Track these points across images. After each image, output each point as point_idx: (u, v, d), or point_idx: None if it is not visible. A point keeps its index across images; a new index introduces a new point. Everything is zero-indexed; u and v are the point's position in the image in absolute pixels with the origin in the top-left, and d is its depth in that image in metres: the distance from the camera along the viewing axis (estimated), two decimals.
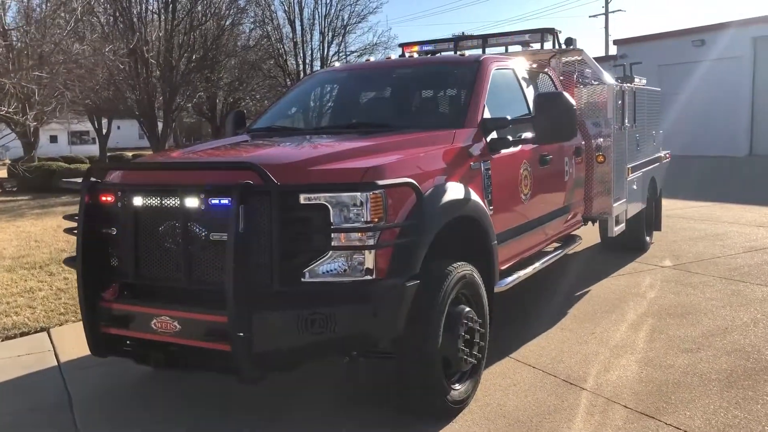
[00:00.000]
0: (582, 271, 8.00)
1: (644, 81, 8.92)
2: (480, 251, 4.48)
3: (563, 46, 6.97)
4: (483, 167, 4.64)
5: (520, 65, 6.04)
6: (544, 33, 6.88)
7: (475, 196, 4.39)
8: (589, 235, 8.66)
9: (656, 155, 9.09)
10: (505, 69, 5.69)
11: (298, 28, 30.35)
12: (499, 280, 4.88)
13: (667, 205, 10.79)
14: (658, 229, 9.72)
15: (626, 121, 7.44)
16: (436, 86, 5.63)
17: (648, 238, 9.05)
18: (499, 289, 4.89)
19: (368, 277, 3.46)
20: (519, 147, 5.18)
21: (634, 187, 7.90)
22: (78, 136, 62.72)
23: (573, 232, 6.97)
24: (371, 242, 3.43)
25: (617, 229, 7.34)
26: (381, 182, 3.49)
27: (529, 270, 5.44)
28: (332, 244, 3.45)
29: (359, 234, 3.42)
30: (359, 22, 31.63)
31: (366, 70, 6.19)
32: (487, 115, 4.92)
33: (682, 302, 6.54)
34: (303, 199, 3.43)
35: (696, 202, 13.51)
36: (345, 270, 3.47)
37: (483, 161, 4.66)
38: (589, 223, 7.40)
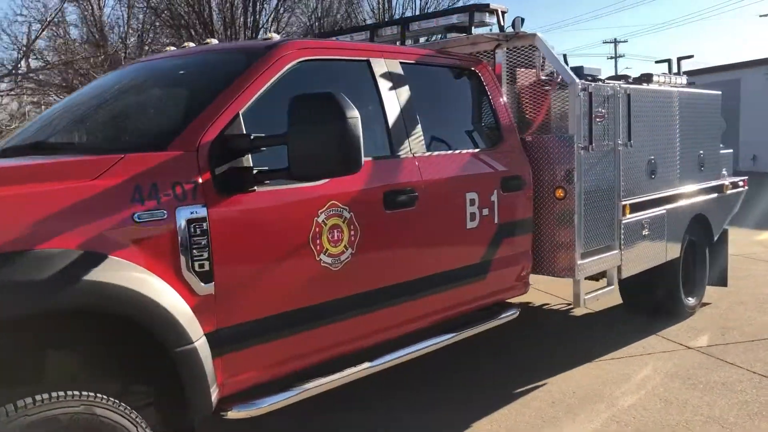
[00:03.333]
0: (566, 344, 5.73)
1: (682, 80, 6.41)
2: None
3: (512, 30, 4.83)
4: (181, 220, 2.76)
5: (390, 57, 4.03)
6: (473, 12, 4.78)
7: (132, 272, 2.55)
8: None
9: (706, 185, 6.50)
10: (333, 60, 3.74)
11: None
12: (238, 405, 2.99)
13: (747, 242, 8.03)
14: (722, 284, 7.06)
15: (617, 138, 5.10)
16: (185, 85, 3.74)
17: (691, 300, 6.47)
18: (237, 415, 2.99)
19: None
20: (320, 181, 3.23)
21: (645, 231, 5.49)
22: None
23: (515, 298, 4.77)
24: None
25: (589, 298, 5.01)
26: None
27: (343, 376, 3.45)
28: None
29: None
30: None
31: (140, 65, 4.37)
32: (233, 131, 3.03)
33: (669, 422, 4.18)
34: None
35: None
36: None
37: (185, 207, 2.78)
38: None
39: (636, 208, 5.37)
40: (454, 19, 4.90)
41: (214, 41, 4.34)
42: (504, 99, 4.74)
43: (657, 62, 7.13)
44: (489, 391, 4.75)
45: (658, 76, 6.06)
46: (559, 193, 4.77)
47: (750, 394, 4.58)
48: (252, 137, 2.98)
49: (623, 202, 5.22)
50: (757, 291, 7.38)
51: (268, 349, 3.11)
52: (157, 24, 25.07)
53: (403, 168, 3.81)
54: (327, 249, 3.31)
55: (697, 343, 5.68)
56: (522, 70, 5.06)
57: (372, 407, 4.52)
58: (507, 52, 5.00)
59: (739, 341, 5.69)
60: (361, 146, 2.88)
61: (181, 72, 3.90)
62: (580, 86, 4.66)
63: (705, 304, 6.82)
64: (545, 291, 7.29)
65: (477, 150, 4.42)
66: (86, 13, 24.02)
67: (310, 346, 3.32)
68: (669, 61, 6.90)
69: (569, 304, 7.07)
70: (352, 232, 3.43)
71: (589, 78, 5.43)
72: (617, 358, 5.36)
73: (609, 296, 5.47)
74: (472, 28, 4.80)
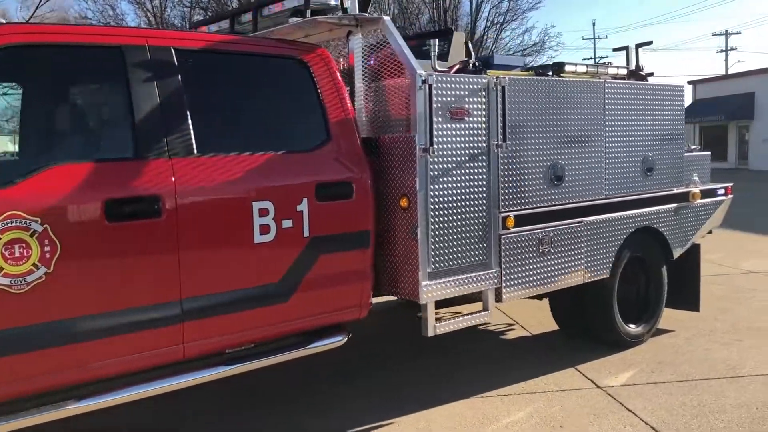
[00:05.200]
0: (462, 373, 5.00)
1: (617, 71, 5.47)
2: None
3: (359, 14, 4.19)
4: None
5: (159, 44, 3.51)
6: None
7: None
8: None
9: (657, 193, 5.53)
10: (64, 46, 3.26)
11: None
12: None
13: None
14: (693, 308, 6.04)
15: (492, 138, 4.34)
16: None
17: (634, 327, 5.54)
18: None
19: None
20: None
21: (543, 248, 4.68)
22: None
23: (345, 319, 4.13)
24: None
25: (448, 324, 4.27)
26: None
27: None
28: None
29: None
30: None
31: None
32: None
33: None
34: None
35: None
36: None
37: None
38: None
39: (526, 220, 4.56)
40: (294, 2, 4.29)
41: None
42: (342, 93, 4.10)
43: (615, 50, 6.20)
44: (333, 423, 4.16)
45: (576, 65, 5.18)
46: (404, 202, 4.08)
47: None
48: None
49: (504, 214, 4.43)
50: (743, 317, 6.29)
51: None
52: None
53: (146, 172, 3.28)
54: (2, 268, 2.85)
55: (613, 381, 4.80)
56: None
57: None
58: (363, 40, 4.35)
59: (664, 381, 4.76)
60: None
61: None
62: (420, 78, 3.95)
63: (665, 332, 5.85)
64: (502, 311, 6.55)
65: (284, 152, 3.81)
66: None
67: None
68: (627, 48, 5.97)
69: (510, 325, 6.30)
70: (47, 248, 2.95)
71: (479, 68, 4.73)
72: (503, 395, 4.59)
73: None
74: (308, 11, 4.17)
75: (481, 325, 6.24)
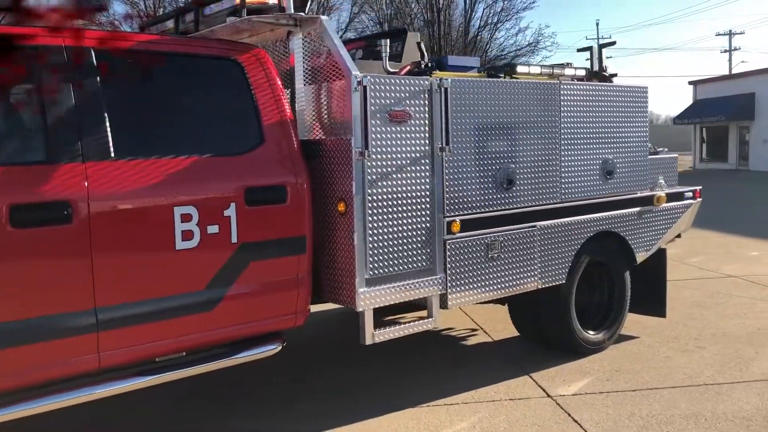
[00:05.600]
0: (416, 380, 4.87)
1: (575, 72, 5.35)
2: None
3: (296, 14, 4.08)
4: None
5: (76, 44, 3.40)
6: None
7: None
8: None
9: (618, 196, 5.40)
10: None
11: None
12: None
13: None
14: (659, 314, 5.92)
15: (436, 141, 4.23)
16: None
17: (594, 334, 5.41)
18: None
19: None
20: None
21: (492, 253, 4.57)
22: None
23: (279, 328, 4.02)
24: None
25: (377, 336, 4.15)
26: None
27: None
28: None
29: None
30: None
31: None
32: None
33: None
34: None
35: None
36: None
37: None
38: None
39: (473, 225, 4.45)
40: (230, 1, 4.18)
41: None
42: (278, 94, 3.99)
43: (579, 50, 6.08)
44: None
45: (530, 66, 5.07)
46: (341, 206, 3.98)
47: None
48: None
49: (449, 218, 4.32)
50: (711, 323, 6.16)
51: None
52: None
53: (56, 176, 3.18)
54: None
55: (565, 390, 4.68)
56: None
57: None
58: (303, 40, 4.25)
59: (618, 390, 4.64)
60: None
61: None
62: (356, 80, 3.85)
63: (629, 338, 5.73)
64: (469, 315, 6.46)
65: (211, 155, 3.70)
66: None
67: None
68: (590, 48, 5.86)
69: (474, 330, 6.19)
70: None
71: (431, 69, 4.62)
72: (449, 405, 4.48)
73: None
74: (244, 11, 4.06)
75: (446, 330, 6.20)
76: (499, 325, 6.14)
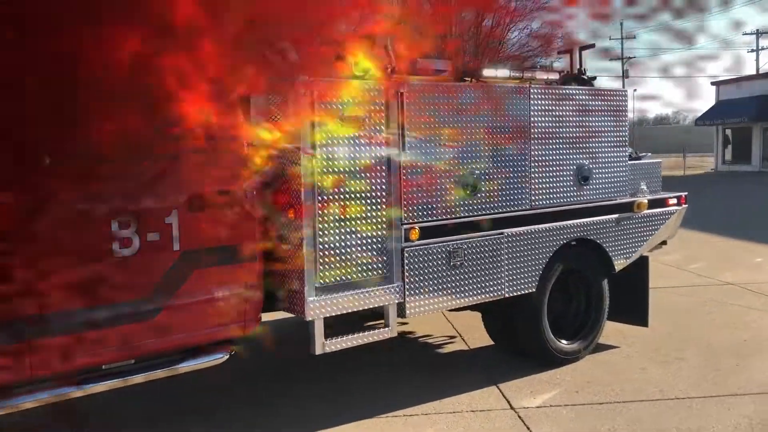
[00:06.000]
0: (384, 388, 4.78)
1: (547, 76, 5.22)
2: None
3: None
4: None
5: None
6: None
7: None
8: None
9: (594, 203, 5.27)
10: None
11: None
12: None
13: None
14: (641, 323, 5.75)
15: (393, 147, 4.14)
16: None
17: (567, 344, 5.27)
18: None
19: None
20: None
21: (455, 261, 4.46)
22: None
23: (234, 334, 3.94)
24: None
25: (328, 345, 4.05)
26: None
27: None
28: None
29: None
30: None
31: None
32: None
33: None
34: None
35: None
36: None
37: None
38: None
39: (433, 232, 4.36)
40: None
41: None
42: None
43: (558, 53, 5.95)
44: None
45: (497, 70, 4.95)
46: (291, 213, 3.91)
47: None
48: None
49: (407, 226, 4.23)
50: (696, 334, 5.98)
51: None
52: None
53: None
54: None
55: (530, 401, 4.56)
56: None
57: None
58: None
59: (584, 403, 4.50)
60: None
61: None
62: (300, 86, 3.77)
63: (608, 348, 5.58)
64: (451, 321, 6.36)
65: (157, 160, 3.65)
66: None
67: None
68: (570, 51, 5.72)
69: (452, 338, 6.08)
70: None
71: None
72: (408, 416, 4.38)
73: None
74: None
75: (423, 336, 6.10)
76: (477, 333, 6.01)
